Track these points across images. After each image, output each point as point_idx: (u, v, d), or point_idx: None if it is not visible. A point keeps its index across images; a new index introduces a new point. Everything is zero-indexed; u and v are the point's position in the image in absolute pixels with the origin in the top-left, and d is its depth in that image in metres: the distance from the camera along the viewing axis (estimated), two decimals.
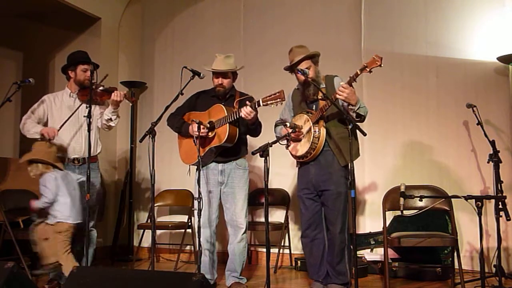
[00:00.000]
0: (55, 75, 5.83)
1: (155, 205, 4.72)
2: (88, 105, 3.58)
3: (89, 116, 3.56)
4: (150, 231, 4.32)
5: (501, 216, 3.50)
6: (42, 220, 3.58)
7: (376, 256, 4.55)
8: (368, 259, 4.50)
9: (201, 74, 3.63)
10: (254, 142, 3.90)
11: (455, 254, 3.65)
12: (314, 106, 3.61)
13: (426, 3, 4.72)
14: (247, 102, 3.54)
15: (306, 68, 3.50)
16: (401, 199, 3.15)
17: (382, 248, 3.82)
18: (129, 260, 5.44)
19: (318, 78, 3.58)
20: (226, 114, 3.65)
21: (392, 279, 4.03)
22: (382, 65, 3.08)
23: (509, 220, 3.32)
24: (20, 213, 4.35)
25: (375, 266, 4.42)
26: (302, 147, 3.56)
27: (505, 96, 4.36)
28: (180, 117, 3.95)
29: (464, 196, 3.05)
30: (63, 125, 3.82)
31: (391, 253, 4.34)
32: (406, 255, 4.33)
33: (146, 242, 5.40)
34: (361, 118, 3.44)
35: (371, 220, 4.74)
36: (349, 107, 3.36)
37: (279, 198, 5.02)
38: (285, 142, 3.62)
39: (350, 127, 3.17)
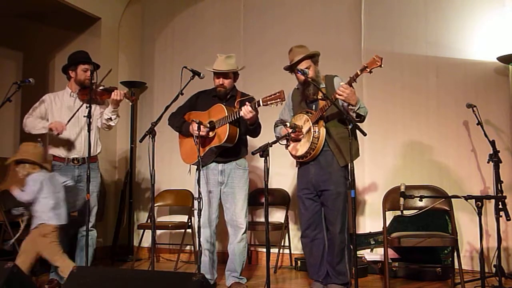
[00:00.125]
0: (55, 75, 5.83)
1: (155, 205, 4.72)
2: (88, 105, 3.58)
3: (89, 116, 3.57)
4: (150, 231, 4.32)
5: (501, 216, 3.50)
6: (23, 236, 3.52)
7: (376, 256, 4.55)
8: (368, 259, 4.50)
9: (201, 74, 3.63)
10: (254, 142, 3.90)
11: (455, 254, 3.66)
12: (314, 106, 3.61)
13: (426, 3, 4.72)
14: (247, 103, 3.55)
15: (306, 68, 3.50)
16: (401, 199, 3.15)
17: (382, 248, 3.82)
18: (129, 260, 5.44)
19: (318, 78, 3.58)
20: (226, 114, 3.66)
21: (392, 279, 4.03)
22: (382, 66, 3.08)
23: (509, 220, 3.32)
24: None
25: (375, 266, 4.42)
26: (301, 147, 3.56)
27: (505, 96, 4.36)
28: (181, 117, 3.95)
29: (464, 196, 3.05)
30: (70, 120, 3.83)
31: (391, 253, 4.34)
32: (406, 255, 4.33)
33: (146, 242, 5.40)
34: (361, 118, 3.44)
35: (371, 220, 4.74)
36: (349, 107, 3.36)
37: (279, 198, 5.02)
38: (285, 142, 3.62)
39: (350, 127, 3.17)
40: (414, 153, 4.67)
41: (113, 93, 3.82)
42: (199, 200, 3.45)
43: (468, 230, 4.27)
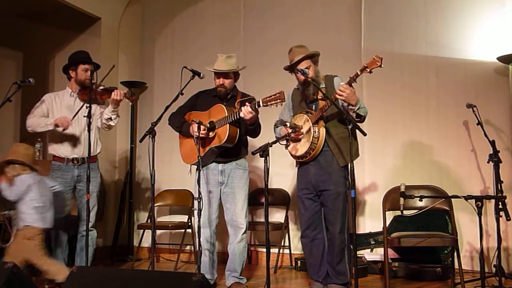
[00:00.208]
0: (55, 75, 5.83)
1: (155, 205, 4.72)
2: (88, 105, 3.59)
3: (89, 116, 3.57)
4: (150, 231, 4.32)
5: (501, 216, 3.50)
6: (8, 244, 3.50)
7: (376, 256, 4.55)
8: (368, 259, 4.50)
9: (201, 74, 3.63)
10: (254, 143, 3.90)
11: (455, 254, 3.66)
12: (313, 106, 3.61)
13: (426, 3, 4.72)
14: (247, 103, 3.54)
15: (306, 68, 3.50)
16: (401, 199, 3.15)
17: (382, 248, 3.82)
18: (129, 260, 5.44)
19: (318, 78, 3.58)
20: (226, 115, 3.65)
21: (392, 279, 4.03)
22: (382, 66, 3.08)
23: (509, 220, 3.32)
24: None
25: (375, 266, 4.42)
26: (301, 147, 3.56)
27: (505, 96, 4.36)
28: (181, 117, 3.95)
29: (464, 196, 3.05)
30: (75, 116, 3.83)
31: (391, 253, 4.34)
32: (406, 255, 4.33)
33: (146, 242, 5.40)
34: (361, 118, 3.44)
35: (371, 220, 4.74)
36: (349, 107, 3.36)
37: (279, 198, 5.02)
38: (285, 142, 3.62)
39: (350, 127, 3.17)
40: (414, 153, 4.67)
41: (113, 93, 3.83)
42: (199, 200, 3.45)
43: (468, 230, 4.27)
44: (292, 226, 5.01)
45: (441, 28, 4.64)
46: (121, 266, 5.17)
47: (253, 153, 3.24)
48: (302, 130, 3.52)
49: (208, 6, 5.74)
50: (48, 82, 5.94)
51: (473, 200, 3.00)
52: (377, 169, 4.79)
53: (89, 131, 3.59)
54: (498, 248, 3.70)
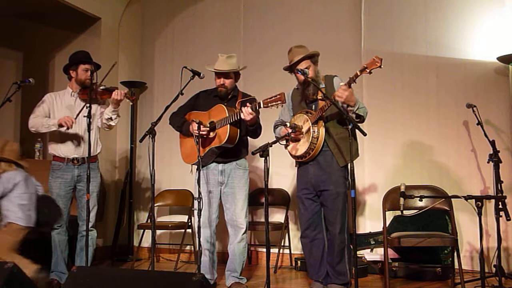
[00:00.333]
0: (55, 75, 5.83)
1: (155, 205, 4.72)
2: (88, 105, 3.59)
3: (89, 116, 3.57)
4: (150, 231, 4.32)
5: (501, 216, 3.50)
6: None
7: (376, 256, 4.55)
8: (368, 259, 4.50)
9: (201, 74, 3.63)
10: (254, 143, 3.90)
11: (455, 254, 3.66)
12: (313, 106, 3.61)
13: (426, 3, 4.72)
14: (247, 104, 3.54)
15: (306, 68, 3.50)
16: (401, 199, 3.14)
17: (382, 248, 3.82)
18: (129, 260, 5.44)
19: (318, 78, 3.58)
20: (227, 115, 3.65)
21: (392, 279, 4.03)
22: (382, 67, 3.08)
23: (509, 220, 3.32)
24: None
25: (375, 266, 4.42)
26: (301, 147, 3.56)
27: (505, 96, 4.36)
28: (182, 116, 3.95)
29: (464, 196, 3.05)
30: (78, 114, 3.83)
31: (391, 253, 4.34)
32: (406, 255, 4.33)
33: (146, 242, 5.40)
34: (361, 118, 3.44)
35: (371, 220, 4.74)
36: (348, 108, 3.36)
37: (279, 198, 5.02)
38: (284, 142, 3.62)
39: (350, 127, 3.17)
40: (414, 153, 4.67)
41: (113, 93, 3.83)
42: (199, 200, 3.45)
43: (468, 230, 4.27)
44: (292, 226, 5.01)
45: (441, 28, 4.64)
46: (121, 266, 5.17)
47: (253, 153, 3.24)
48: (302, 130, 3.52)
49: (208, 6, 5.74)
50: (48, 82, 5.94)
51: (473, 200, 3.00)
52: (377, 169, 4.79)
53: (89, 131, 3.59)
54: (498, 248, 3.70)
